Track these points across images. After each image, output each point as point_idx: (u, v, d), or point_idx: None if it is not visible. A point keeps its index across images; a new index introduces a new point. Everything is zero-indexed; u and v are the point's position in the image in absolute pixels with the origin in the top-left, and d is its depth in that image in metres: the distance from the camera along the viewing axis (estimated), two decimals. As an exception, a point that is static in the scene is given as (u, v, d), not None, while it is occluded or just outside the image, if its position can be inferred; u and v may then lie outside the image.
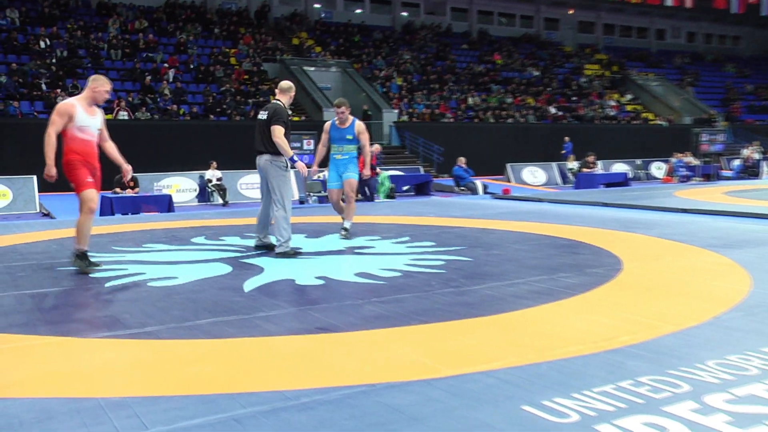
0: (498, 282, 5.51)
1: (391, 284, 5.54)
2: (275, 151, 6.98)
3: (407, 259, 6.75)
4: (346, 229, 8.15)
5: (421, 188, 20.44)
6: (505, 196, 15.52)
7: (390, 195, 18.31)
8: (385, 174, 17.91)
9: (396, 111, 29.15)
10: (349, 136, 8.16)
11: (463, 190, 19.23)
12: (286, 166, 7.05)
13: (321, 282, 5.68)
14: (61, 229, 9.92)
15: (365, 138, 8.23)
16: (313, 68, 30.84)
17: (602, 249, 7.11)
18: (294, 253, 6.98)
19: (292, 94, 7.27)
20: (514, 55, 38.28)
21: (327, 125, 8.29)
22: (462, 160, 19.72)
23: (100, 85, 6.15)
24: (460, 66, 35.91)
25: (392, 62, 33.99)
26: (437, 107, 30.81)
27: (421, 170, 23.32)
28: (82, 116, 6.11)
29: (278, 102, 7.16)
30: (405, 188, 20.60)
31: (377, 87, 30.88)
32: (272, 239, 7.39)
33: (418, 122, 29.31)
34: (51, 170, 5.87)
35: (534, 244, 7.61)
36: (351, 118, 8.23)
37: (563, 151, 26.77)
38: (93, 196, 6.13)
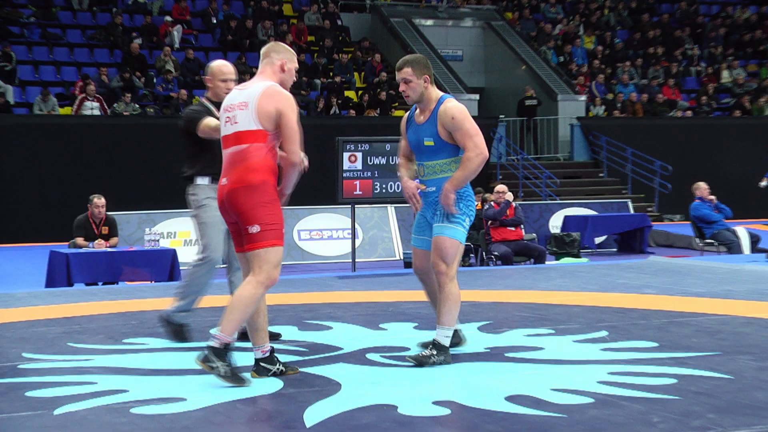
0: (785, 422, 5.41)
1: (575, 419, 5.48)
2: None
3: (604, 371, 6.69)
4: (437, 348, 7.09)
5: (631, 240, 20.15)
6: (796, 256, 15.15)
7: (572, 252, 18.16)
8: None
9: (583, 98, 29.14)
10: (428, 141, 7.31)
11: (710, 244, 18.89)
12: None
13: (444, 411, 5.68)
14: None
15: (464, 136, 7.16)
16: (431, 21, 31.35)
17: None
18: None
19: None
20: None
21: (403, 121, 7.68)
22: (705, 189, 19.37)
23: (291, 59, 6.79)
24: (705, 12, 35.59)
25: (576, 9, 34.07)
26: (659, 90, 30.57)
27: (630, 207, 23.07)
28: None
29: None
30: (599, 240, 20.37)
31: (548, 54, 30.98)
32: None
33: (623, 118, 29.16)
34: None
35: None
36: (435, 95, 7.33)
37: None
38: (281, 258, 6.59)
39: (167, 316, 8.23)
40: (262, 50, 6.81)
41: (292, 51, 6.85)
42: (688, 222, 20.37)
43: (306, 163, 6.71)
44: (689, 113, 30.09)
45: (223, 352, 6.27)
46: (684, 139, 28.01)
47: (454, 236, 7.16)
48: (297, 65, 6.84)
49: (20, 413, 5.79)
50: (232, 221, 6.51)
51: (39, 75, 25.25)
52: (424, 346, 7.26)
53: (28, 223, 21.37)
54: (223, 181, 6.46)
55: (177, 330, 8.17)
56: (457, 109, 7.12)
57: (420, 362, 6.97)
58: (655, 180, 26.46)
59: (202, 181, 8.23)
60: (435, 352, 7.02)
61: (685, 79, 31.97)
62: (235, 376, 6.29)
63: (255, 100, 6.44)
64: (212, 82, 8.32)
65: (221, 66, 8.35)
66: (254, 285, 6.30)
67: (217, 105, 7.99)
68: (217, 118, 7.82)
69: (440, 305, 7.13)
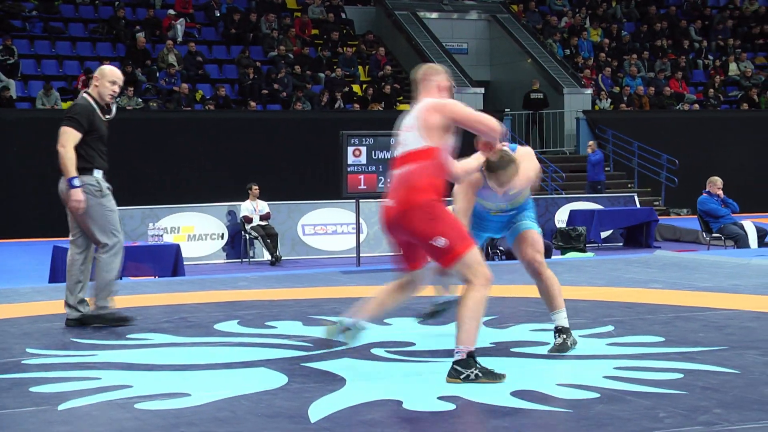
0: (792, 417, 5.40)
1: (582, 414, 5.50)
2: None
3: (610, 366, 6.71)
4: (564, 332, 7.32)
5: (638, 234, 20.12)
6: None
7: (578, 246, 18.15)
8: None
9: (589, 91, 29.09)
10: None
11: (717, 238, 18.87)
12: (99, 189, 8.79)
13: (448, 406, 5.69)
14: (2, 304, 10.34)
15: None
16: (435, 15, 31.31)
17: None
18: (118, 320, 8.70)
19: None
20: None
21: None
22: (717, 183, 19.36)
23: (446, 78, 6.79)
24: (713, 4, 35.49)
25: (582, 1, 34.02)
26: (666, 83, 30.52)
27: (636, 201, 23.06)
28: None
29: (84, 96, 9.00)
30: (605, 234, 20.34)
31: (554, 47, 30.95)
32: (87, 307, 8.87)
33: (629, 111, 29.13)
34: None
35: None
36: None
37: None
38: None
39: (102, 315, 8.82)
40: (417, 75, 6.78)
41: (446, 69, 6.91)
42: (695, 216, 20.34)
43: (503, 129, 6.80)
44: (696, 106, 30.03)
45: (470, 360, 6.24)
46: (691, 133, 27.93)
47: (540, 232, 7.47)
48: (452, 82, 6.90)
49: (24, 408, 5.83)
50: (402, 241, 6.60)
51: (41, 69, 25.25)
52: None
53: (31, 219, 21.36)
54: (389, 202, 6.47)
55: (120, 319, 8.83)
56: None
57: (560, 350, 7.17)
58: (661, 174, 26.42)
59: (98, 173, 8.84)
60: (566, 336, 7.22)
61: (693, 72, 31.89)
62: (490, 374, 6.25)
63: (419, 114, 6.49)
64: (100, 82, 8.80)
65: (113, 70, 8.99)
66: (477, 290, 6.31)
67: (101, 106, 8.73)
68: (101, 119, 8.71)
69: (549, 291, 7.28)
